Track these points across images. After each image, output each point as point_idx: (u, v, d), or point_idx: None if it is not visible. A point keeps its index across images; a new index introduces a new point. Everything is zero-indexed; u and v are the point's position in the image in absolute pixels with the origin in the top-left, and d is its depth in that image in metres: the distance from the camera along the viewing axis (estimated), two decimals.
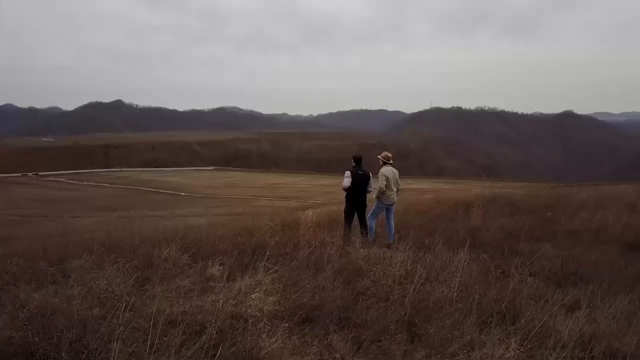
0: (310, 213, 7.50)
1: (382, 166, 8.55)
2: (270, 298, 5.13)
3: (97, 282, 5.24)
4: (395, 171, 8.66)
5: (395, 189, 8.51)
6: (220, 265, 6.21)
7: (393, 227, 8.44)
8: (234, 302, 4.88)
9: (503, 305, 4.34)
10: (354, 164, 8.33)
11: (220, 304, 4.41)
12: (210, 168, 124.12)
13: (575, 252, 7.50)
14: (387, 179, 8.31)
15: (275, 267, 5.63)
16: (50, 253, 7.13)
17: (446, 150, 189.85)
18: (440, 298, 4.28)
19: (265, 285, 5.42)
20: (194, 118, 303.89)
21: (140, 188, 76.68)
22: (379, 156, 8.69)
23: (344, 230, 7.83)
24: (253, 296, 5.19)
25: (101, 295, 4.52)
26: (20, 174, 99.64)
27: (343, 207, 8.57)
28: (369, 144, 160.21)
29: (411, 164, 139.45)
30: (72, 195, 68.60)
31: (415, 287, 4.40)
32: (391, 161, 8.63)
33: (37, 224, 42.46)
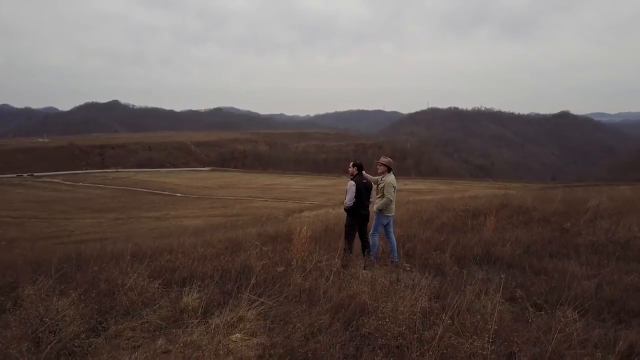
0: (305, 227, 6.53)
1: (384, 173, 7.33)
2: (254, 340, 4.19)
3: (43, 320, 4.32)
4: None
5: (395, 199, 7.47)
6: (197, 292, 5.27)
7: (395, 241, 7.32)
8: (209, 347, 3.95)
9: (547, 357, 3.39)
10: (356, 173, 7.11)
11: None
12: (206, 169, 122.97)
13: (605, 271, 6.58)
14: (395, 190, 7.28)
15: (262, 299, 4.68)
16: (5, 276, 6.16)
17: (443, 150, 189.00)
18: (471, 354, 3.30)
19: (249, 322, 4.49)
20: (191, 118, 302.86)
21: (136, 189, 75.62)
22: (382, 162, 7.37)
23: (345, 249, 6.68)
24: (233, 337, 4.25)
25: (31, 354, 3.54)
26: (15, 175, 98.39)
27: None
28: (366, 145, 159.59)
29: (408, 164, 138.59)
30: (66, 196, 67.49)
31: (442, 340, 3.40)
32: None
33: (29, 225, 41.49)
